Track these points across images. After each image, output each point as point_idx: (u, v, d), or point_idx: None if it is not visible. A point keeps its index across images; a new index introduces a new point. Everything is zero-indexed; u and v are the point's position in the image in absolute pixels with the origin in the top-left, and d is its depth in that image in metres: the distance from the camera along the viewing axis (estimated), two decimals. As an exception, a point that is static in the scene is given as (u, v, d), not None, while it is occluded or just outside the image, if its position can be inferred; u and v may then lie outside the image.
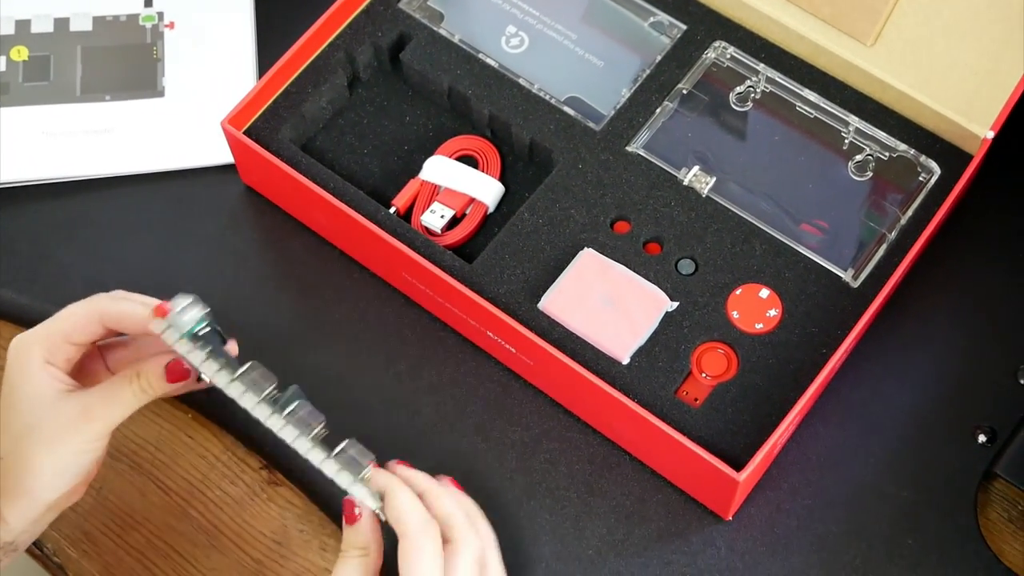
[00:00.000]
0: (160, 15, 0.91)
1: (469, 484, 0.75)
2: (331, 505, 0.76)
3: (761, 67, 0.83)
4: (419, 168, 0.83)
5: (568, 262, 0.77)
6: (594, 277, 0.76)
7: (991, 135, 0.77)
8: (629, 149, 0.81)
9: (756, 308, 0.76)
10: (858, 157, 0.80)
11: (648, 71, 0.83)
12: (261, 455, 0.78)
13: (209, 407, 0.79)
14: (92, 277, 0.82)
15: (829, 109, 0.81)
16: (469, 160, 0.83)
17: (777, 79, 0.82)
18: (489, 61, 0.84)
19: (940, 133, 0.80)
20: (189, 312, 0.65)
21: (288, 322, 0.81)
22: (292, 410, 0.65)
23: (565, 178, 0.80)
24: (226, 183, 0.86)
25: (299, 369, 0.79)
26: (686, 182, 0.79)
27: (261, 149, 0.80)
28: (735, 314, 0.76)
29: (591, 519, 0.75)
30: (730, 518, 0.75)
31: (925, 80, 0.79)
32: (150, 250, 0.84)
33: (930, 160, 0.79)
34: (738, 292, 0.76)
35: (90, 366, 0.70)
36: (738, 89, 0.82)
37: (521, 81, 0.83)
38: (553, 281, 0.77)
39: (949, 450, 0.75)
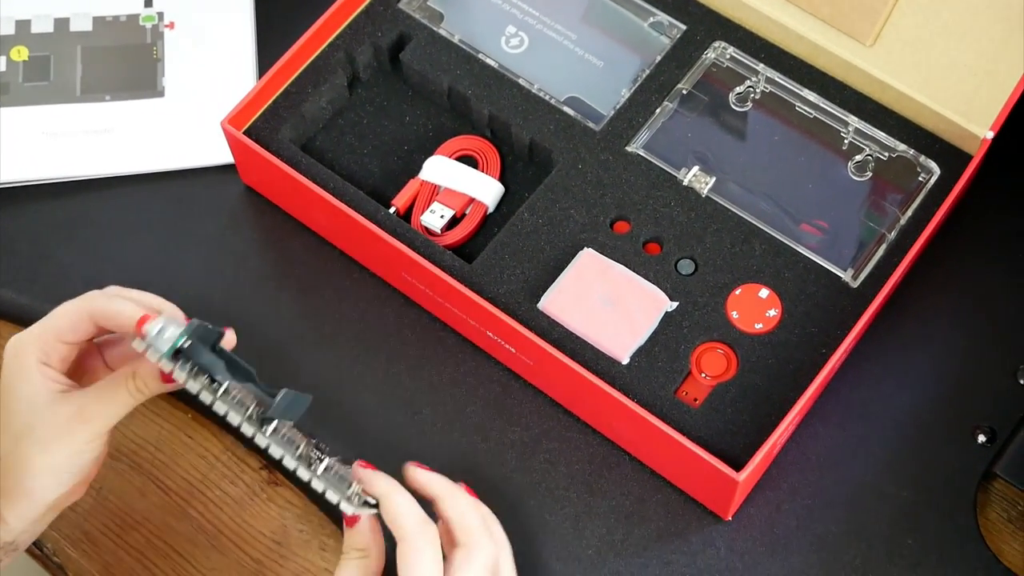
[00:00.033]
0: (160, 15, 0.91)
1: (469, 484, 0.75)
2: (331, 505, 0.75)
3: (761, 67, 0.83)
4: (419, 168, 0.83)
5: (568, 262, 0.77)
6: (594, 277, 0.77)
7: (991, 135, 0.77)
8: (629, 149, 0.81)
9: (756, 308, 0.76)
10: (858, 157, 0.80)
11: (648, 71, 0.83)
12: (261, 455, 0.78)
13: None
14: (92, 277, 0.82)
15: (829, 109, 0.81)
16: (469, 160, 0.83)
17: (777, 79, 0.82)
18: (489, 61, 0.84)
19: (940, 133, 0.80)
20: (167, 332, 0.64)
21: (288, 322, 0.81)
22: (276, 428, 0.64)
23: (565, 178, 0.80)
24: (226, 183, 0.86)
25: (299, 369, 0.79)
26: (686, 182, 0.79)
27: (261, 149, 0.80)
28: (735, 314, 0.76)
29: (591, 519, 0.75)
30: (730, 518, 0.75)
31: (924, 80, 0.79)
32: (150, 250, 0.84)
33: (930, 160, 0.79)
34: (738, 292, 0.76)
35: (88, 363, 0.70)
36: (738, 89, 0.82)
37: (521, 81, 0.83)
38: (553, 281, 0.77)
39: (949, 450, 0.75)
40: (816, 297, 0.76)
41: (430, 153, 0.83)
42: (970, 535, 0.73)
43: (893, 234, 0.77)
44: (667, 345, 0.75)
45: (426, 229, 0.81)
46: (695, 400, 0.74)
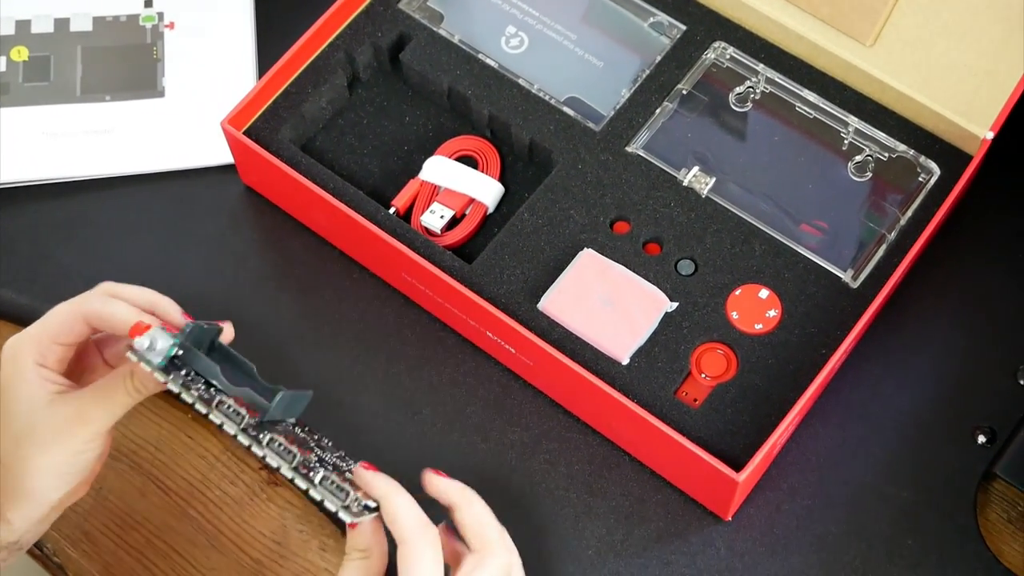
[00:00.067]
0: (160, 15, 0.91)
1: (469, 484, 0.75)
2: (331, 505, 0.76)
3: (761, 67, 0.83)
4: (419, 168, 0.83)
5: (568, 262, 0.77)
6: (594, 277, 0.77)
7: (991, 136, 0.77)
8: (629, 149, 0.81)
9: (756, 309, 0.76)
10: (858, 158, 0.80)
11: (648, 71, 0.83)
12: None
13: (209, 407, 0.79)
14: (92, 277, 0.81)
15: (828, 109, 0.81)
16: (469, 160, 0.83)
17: (777, 79, 0.82)
18: (489, 61, 0.84)
19: (940, 134, 0.80)
20: (158, 344, 0.64)
21: (288, 322, 0.81)
22: (272, 439, 0.64)
23: (565, 178, 0.80)
24: (226, 183, 0.86)
25: (299, 369, 0.79)
26: (686, 182, 0.79)
27: (261, 149, 0.80)
28: (735, 315, 0.76)
29: (591, 519, 0.75)
30: (729, 518, 0.75)
31: (924, 80, 0.79)
32: (150, 250, 0.84)
33: (930, 161, 0.79)
34: (738, 293, 0.76)
35: (86, 360, 0.70)
36: (738, 89, 0.82)
37: (521, 81, 0.83)
38: (553, 281, 0.77)
39: (949, 450, 0.75)
40: (816, 297, 0.76)
41: (430, 153, 0.83)
42: (970, 535, 0.73)
43: (893, 234, 0.77)
44: (667, 345, 0.75)
45: (426, 229, 0.81)
46: (695, 400, 0.74)
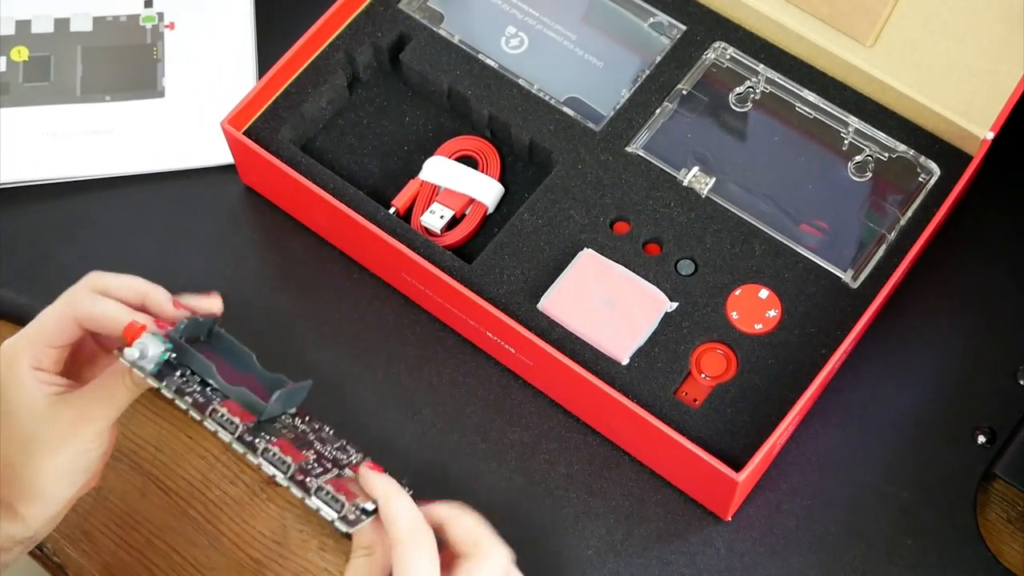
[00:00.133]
0: (160, 15, 0.91)
1: (469, 484, 0.76)
2: (331, 505, 0.76)
3: (761, 68, 0.83)
4: (419, 168, 0.83)
5: (568, 262, 0.77)
6: (594, 278, 0.77)
7: (991, 136, 0.77)
8: (629, 150, 0.81)
9: (755, 309, 0.76)
10: (858, 158, 0.80)
11: (648, 71, 0.83)
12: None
13: (209, 407, 0.79)
14: (92, 277, 0.82)
15: (828, 110, 0.81)
16: (469, 160, 0.83)
17: (777, 80, 0.82)
18: (489, 61, 0.84)
19: (940, 134, 0.80)
20: (149, 351, 0.63)
21: (288, 322, 0.81)
22: (266, 448, 0.64)
23: (565, 178, 0.80)
24: (226, 183, 0.86)
25: (299, 369, 0.79)
26: (686, 183, 0.79)
27: (261, 149, 0.80)
28: (734, 315, 0.76)
29: (590, 519, 0.75)
30: (729, 519, 0.75)
31: (924, 81, 0.79)
32: (150, 250, 0.84)
33: (930, 161, 0.79)
34: (737, 293, 0.76)
35: (84, 350, 0.69)
36: (738, 90, 0.82)
37: (521, 81, 0.83)
38: (553, 281, 0.77)
39: (949, 451, 0.75)
40: (816, 298, 0.76)
41: (430, 153, 0.83)
42: (970, 535, 0.73)
43: (893, 235, 0.77)
44: (667, 346, 0.75)
45: (426, 229, 0.81)
46: (695, 400, 0.74)
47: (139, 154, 0.86)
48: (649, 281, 0.77)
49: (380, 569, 0.64)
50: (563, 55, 0.84)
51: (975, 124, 0.78)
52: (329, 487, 0.63)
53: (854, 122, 0.80)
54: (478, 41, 0.85)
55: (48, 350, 0.66)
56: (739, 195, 0.79)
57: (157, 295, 0.67)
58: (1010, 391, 0.77)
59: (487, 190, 0.81)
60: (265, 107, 0.83)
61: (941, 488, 0.75)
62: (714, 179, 0.79)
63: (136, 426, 0.79)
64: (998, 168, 0.81)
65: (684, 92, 0.82)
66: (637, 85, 0.83)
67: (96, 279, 0.68)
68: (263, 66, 0.88)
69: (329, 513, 0.63)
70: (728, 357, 0.75)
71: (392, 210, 0.81)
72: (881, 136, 0.80)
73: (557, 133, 0.81)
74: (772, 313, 0.76)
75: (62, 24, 0.90)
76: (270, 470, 0.63)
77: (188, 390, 0.64)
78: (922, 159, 0.79)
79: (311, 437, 0.67)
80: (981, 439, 0.75)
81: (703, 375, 0.75)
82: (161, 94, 0.88)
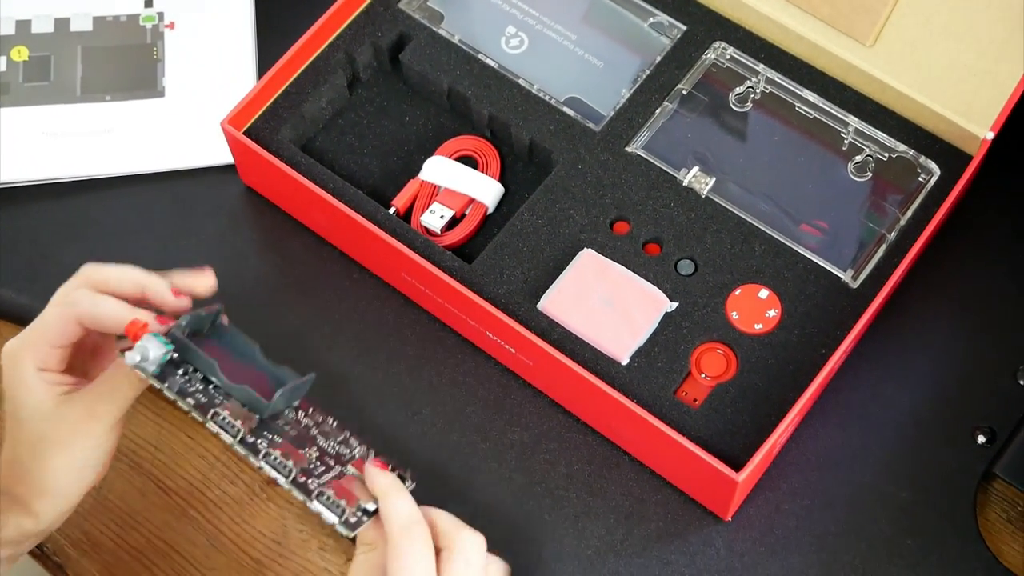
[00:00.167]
0: (160, 15, 0.91)
1: (469, 484, 0.76)
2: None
3: (761, 67, 0.83)
4: (419, 168, 0.83)
5: (568, 262, 0.77)
6: (593, 277, 0.77)
7: (991, 136, 0.77)
8: (629, 150, 0.81)
9: (755, 309, 0.76)
10: (858, 158, 0.80)
11: (648, 71, 0.83)
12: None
13: (209, 407, 0.79)
14: (92, 277, 0.82)
15: (828, 110, 0.81)
16: (469, 160, 0.83)
17: (777, 80, 0.82)
18: (489, 61, 0.84)
19: (940, 134, 0.80)
20: (150, 355, 0.63)
21: (288, 322, 0.81)
22: (267, 452, 0.64)
23: (565, 178, 0.80)
24: (226, 183, 0.86)
25: (299, 369, 0.79)
26: (686, 183, 0.79)
27: (261, 149, 0.80)
28: (734, 315, 0.76)
29: (590, 519, 0.75)
30: (729, 518, 0.75)
31: (924, 81, 0.79)
32: (150, 250, 0.84)
33: (930, 161, 0.79)
34: (737, 293, 0.76)
35: (88, 342, 0.69)
36: (738, 90, 0.82)
37: (521, 81, 0.83)
38: (553, 281, 0.77)
39: (948, 451, 0.75)
40: (816, 297, 0.76)
41: (430, 153, 0.83)
42: (970, 535, 0.73)
43: (893, 235, 0.77)
44: (667, 345, 0.75)
45: (426, 229, 0.81)
46: (695, 400, 0.74)
47: (139, 154, 0.86)
48: (649, 281, 0.77)
49: (383, 564, 0.64)
50: (563, 55, 0.84)
51: (975, 124, 0.78)
52: (330, 491, 0.63)
53: (854, 122, 0.80)
54: (478, 41, 0.85)
55: (52, 350, 0.66)
56: (739, 195, 0.79)
57: (155, 285, 0.67)
58: (1010, 391, 0.77)
59: (487, 190, 0.81)
60: (265, 107, 0.83)
61: (941, 488, 0.75)
62: (714, 179, 0.79)
63: (136, 426, 0.79)
64: (998, 168, 0.81)
65: (684, 92, 0.82)
66: (637, 85, 0.83)
67: (92, 272, 0.68)
68: (263, 66, 0.88)
69: (331, 517, 0.63)
70: (728, 357, 0.75)
71: (392, 210, 0.81)
72: (881, 136, 0.80)
73: (557, 133, 0.81)
74: (772, 313, 0.76)
75: (62, 24, 0.90)
76: (272, 473, 0.64)
77: (190, 390, 0.64)
78: (922, 159, 0.79)
79: (314, 432, 0.67)
80: (981, 439, 0.75)
81: (703, 375, 0.75)
82: (161, 94, 0.88)
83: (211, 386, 0.65)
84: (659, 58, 0.83)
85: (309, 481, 0.64)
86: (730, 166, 0.80)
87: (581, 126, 0.81)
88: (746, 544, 0.74)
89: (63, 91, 0.88)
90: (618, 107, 0.82)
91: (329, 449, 0.66)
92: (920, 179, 0.79)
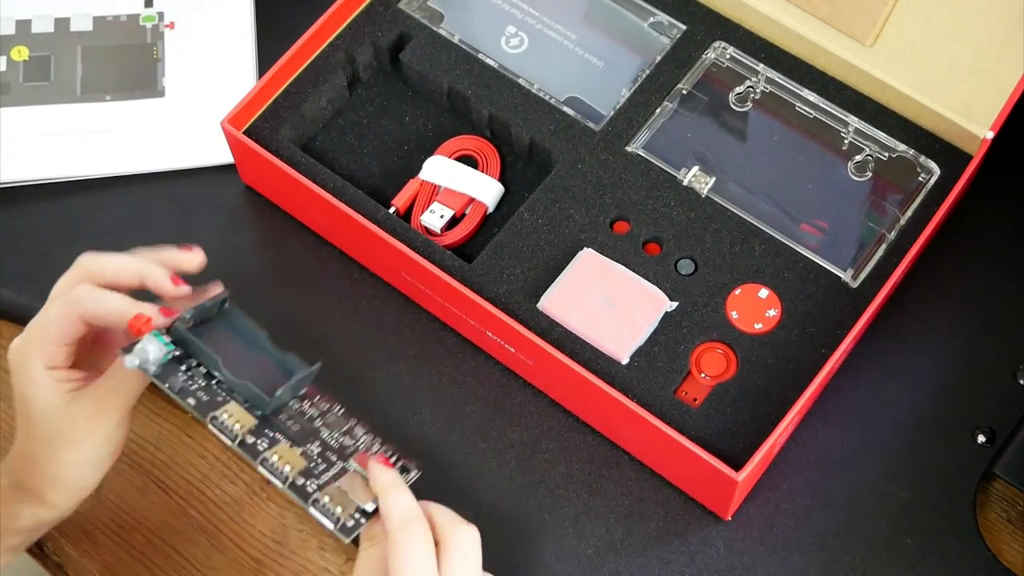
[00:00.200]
0: (160, 15, 0.91)
1: (469, 484, 0.76)
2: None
3: (761, 67, 0.83)
4: (419, 168, 0.83)
5: (568, 262, 0.77)
6: (593, 277, 0.77)
7: (991, 135, 0.77)
8: (629, 149, 0.81)
9: (755, 308, 0.76)
10: (858, 157, 0.80)
11: (648, 71, 0.83)
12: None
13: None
14: (92, 277, 0.82)
15: (828, 109, 0.81)
16: (469, 160, 0.83)
17: (777, 79, 0.82)
18: (489, 61, 0.84)
19: (939, 133, 0.80)
20: (150, 356, 0.64)
21: (288, 322, 0.81)
22: (264, 459, 0.64)
23: (565, 178, 0.80)
24: (226, 183, 0.86)
25: (299, 369, 0.79)
26: (686, 182, 0.79)
27: (261, 149, 0.80)
28: (734, 314, 0.76)
29: (590, 519, 0.75)
30: (729, 518, 0.75)
31: (924, 80, 0.79)
32: (150, 250, 0.84)
33: (929, 160, 0.79)
34: (737, 292, 0.76)
35: (90, 335, 0.69)
36: (738, 89, 0.82)
37: (521, 81, 0.83)
38: (552, 281, 0.77)
39: (948, 450, 0.75)
40: (816, 297, 0.76)
41: (430, 153, 0.83)
42: (970, 535, 0.73)
43: (893, 234, 0.77)
44: (667, 345, 0.75)
45: (426, 229, 0.81)
46: (695, 400, 0.74)
47: (139, 154, 0.86)
48: (649, 281, 0.77)
49: (385, 560, 0.64)
50: (563, 55, 0.84)
51: (975, 124, 0.78)
52: (326, 498, 0.63)
53: (854, 122, 0.80)
54: (478, 41, 0.85)
55: (58, 348, 0.66)
56: (739, 195, 0.79)
57: (154, 274, 0.68)
58: (1010, 391, 0.77)
59: (487, 190, 0.81)
60: (265, 107, 0.83)
61: (941, 488, 0.75)
62: (714, 179, 0.79)
63: (136, 426, 0.79)
64: (998, 168, 0.81)
65: (684, 92, 0.82)
66: (637, 85, 0.83)
67: (90, 263, 0.68)
68: (263, 66, 0.88)
69: (327, 523, 0.63)
70: (728, 357, 0.75)
71: (392, 210, 0.81)
72: (881, 136, 0.80)
73: (557, 133, 0.81)
74: (772, 313, 0.76)
75: (62, 24, 0.90)
76: (270, 477, 0.64)
77: (192, 388, 0.64)
78: (922, 159, 0.79)
79: (317, 423, 0.67)
80: (981, 439, 0.75)
81: (703, 375, 0.75)
82: (161, 94, 0.88)
83: (214, 381, 0.65)
84: (659, 58, 0.83)
85: (307, 484, 0.64)
86: (730, 166, 0.80)
87: (581, 126, 0.81)
88: (746, 544, 0.74)
89: (63, 91, 0.88)
90: (618, 107, 0.82)
91: (332, 443, 0.66)
92: (920, 179, 0.79)
